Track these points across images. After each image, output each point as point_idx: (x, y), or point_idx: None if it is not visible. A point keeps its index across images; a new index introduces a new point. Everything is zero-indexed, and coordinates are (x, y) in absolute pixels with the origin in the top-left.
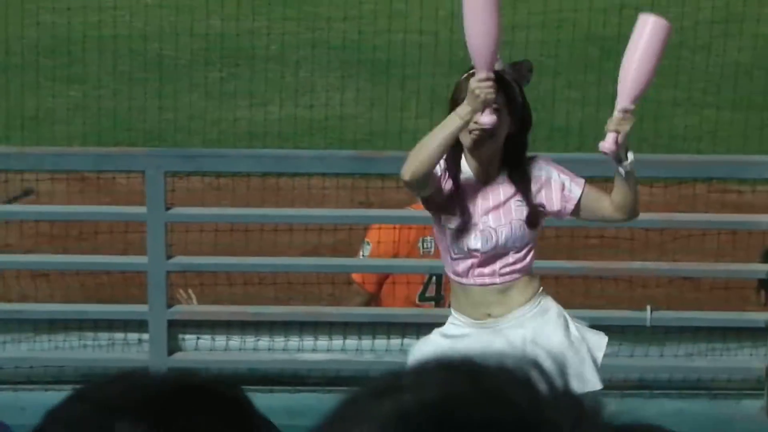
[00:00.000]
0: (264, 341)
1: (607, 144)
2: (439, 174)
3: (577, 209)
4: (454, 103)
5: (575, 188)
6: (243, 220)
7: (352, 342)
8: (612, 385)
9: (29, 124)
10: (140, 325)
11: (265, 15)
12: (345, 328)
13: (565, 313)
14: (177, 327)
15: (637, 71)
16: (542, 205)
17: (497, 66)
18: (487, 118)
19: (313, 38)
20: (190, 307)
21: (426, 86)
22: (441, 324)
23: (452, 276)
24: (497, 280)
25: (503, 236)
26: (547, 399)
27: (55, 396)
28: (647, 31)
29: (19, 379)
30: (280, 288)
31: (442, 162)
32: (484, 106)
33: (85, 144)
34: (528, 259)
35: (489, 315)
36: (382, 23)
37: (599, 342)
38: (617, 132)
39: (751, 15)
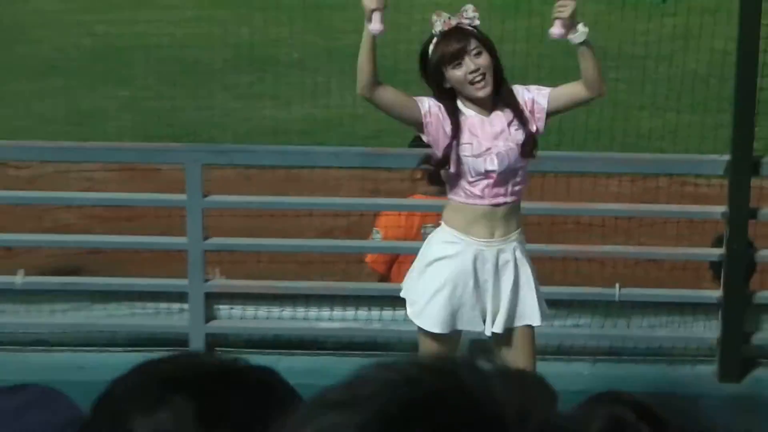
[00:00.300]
0: (287, 311)
1: (556, 30)
2: (429, 111)
3: (549, 115)
4: (424, 71)
5: (542, 95)
6: (269, 207)
7: (362, 313)
8: (586, 351)
9: (86, 121)
10: (181, 297)
11: (288, 26)
12: (357, 300)
13: None
14: (213, 299)
15: None
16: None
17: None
18: (375, 25)
19: (328, 47)
20: (224, 282)
21: (424, 89)
22: None
23: (465, 200)
24: (508, 199)
25: (512, 157)
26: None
27: (108, 357)
28: None
29: (78, 342)
30: (301, 265)
31: (434, 105)
32: (370, 14)
33: (133, 138)
34: (526, 179)
35: (493, 235)
36: (388, 35)
37: None
38: (560, 16)
39: (707, 31)
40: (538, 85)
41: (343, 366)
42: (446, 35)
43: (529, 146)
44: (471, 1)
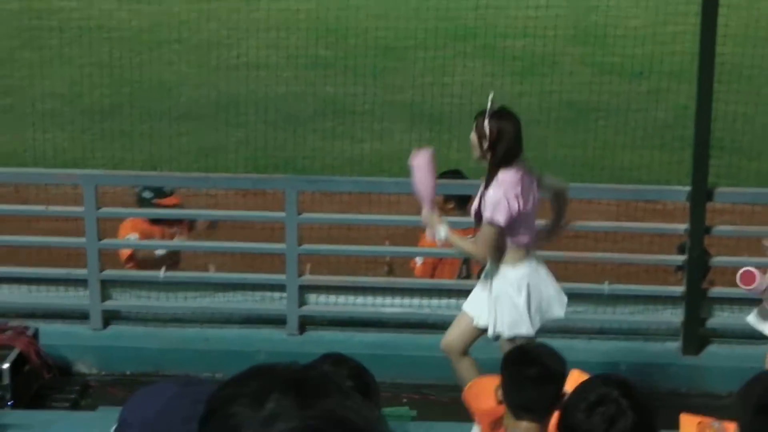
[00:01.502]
0: (360, 299)
1: (428, 235)
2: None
3: None
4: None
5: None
6: (346, 222)
7: (415, 301)
8: (583, 331)
9: (211, 154)
10: (281, 288)
11: (361, 85)
12: (411, 292)
13: None
14: (304, 289)
15: (423, 187)
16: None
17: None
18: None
19: (390, 99)
20: (314, 276)
21: (463, 132)
22: (469, 290)
23: (521, 245)
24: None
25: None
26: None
27: (227, 332)
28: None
29: (204, 320)
30: (369, 264)
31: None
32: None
33: (246, 169)
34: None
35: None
36: (436, 90)
37: None
38: (430, 228)
39: (673, 90)
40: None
41: (401, 341)
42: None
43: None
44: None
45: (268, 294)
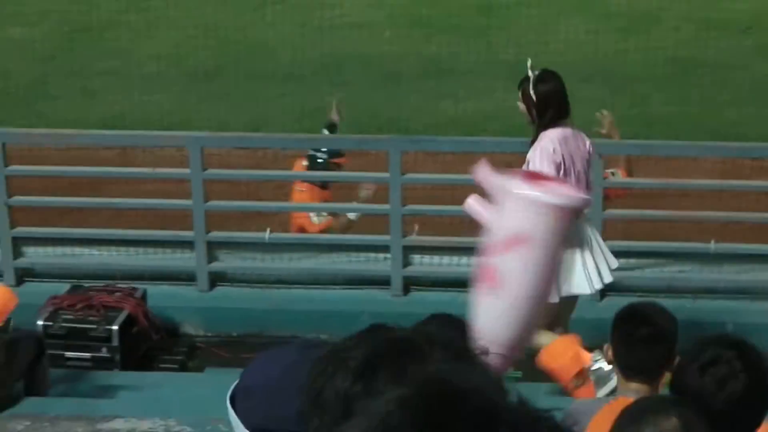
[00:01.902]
0: (463, 259)
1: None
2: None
3: None
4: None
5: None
6: (448, 182)
7: None
8: (688, 290)
9: (312, 116)
10: (385, 248)
11: (463, 45)
12: None
13: None
14: (408, 250)
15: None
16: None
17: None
18: None
19: (491, 59)
20: (417, 238)
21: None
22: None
23: None
24: None
25: None
26: None
27: (330, 293)
28: None
29: (309, 281)
30: (473, 225)
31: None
32: None
33: (349, 129)
34: None
35: None
36: (535, 48)
37: None
38: None
39: None
40: None
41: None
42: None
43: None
44: None
45: (372, 255)
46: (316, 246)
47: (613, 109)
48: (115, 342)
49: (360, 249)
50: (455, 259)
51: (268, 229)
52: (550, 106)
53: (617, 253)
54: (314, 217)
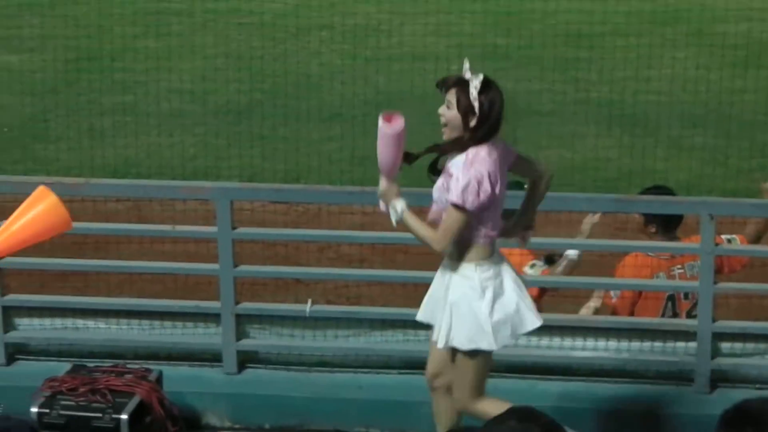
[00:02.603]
0: (544, 340)
1: (381, 207)
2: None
3: None
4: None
5: (449, 194)
6: (537, 247)
7: (612, 343)
8: None
9: (363, 163)
10: None
11: (545, 78)
12: (607, 332)
13: None
14: None
15: (384, 160)
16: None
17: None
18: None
19: (578, 98)
20: None
21: (665, 136)
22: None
23: (487, 239)
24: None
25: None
26: None
27: (384, 378)
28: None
29: (358, 364)
30: (553, 298)
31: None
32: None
33: (409, 181)
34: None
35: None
36: (633, 85)
37: None
38: (383, 200)
39: None
40: None
41: (592, 391)
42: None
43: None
44: None
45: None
46: (367, 321)
47: (727, 159)
48: None
49: (419, 326)
50: (533, 339)
51: (310, 301)
52: (491, 118)
53: (731, 336)
54: (528, 270)
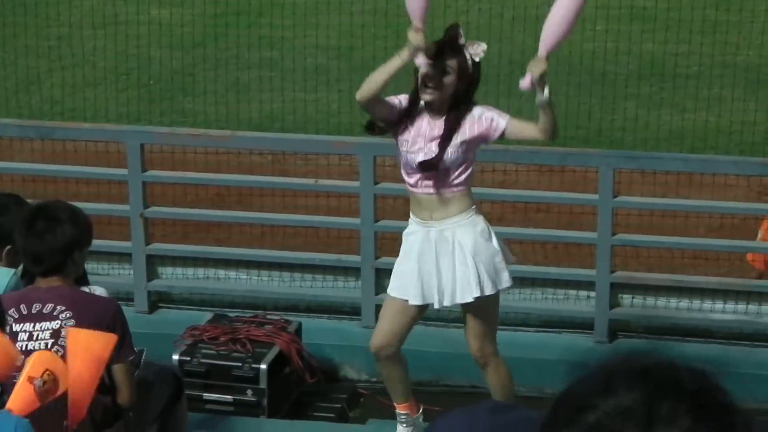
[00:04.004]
0: (684, 302)
1: (524, 82)
2: (397, 105)
3: (503, 134)
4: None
5: (501, 121)
6: (671, 207)
7: (753, 307)
8: None
9: None
10: (589, 285)
11: (688, 42)
12: (748, 295)
13: (490, 228)
14: (617, 288)
15: (555, 30)
16: (474, 137)
17: (462, 41)
18: (420, 60)
19: (724, 61)
20: (627, 273)
21: None
22: None
23: (408, 186)
24: (439, 190)
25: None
26: None
27: (521, 336)
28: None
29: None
30: (691, 260)
31: (404, 99)
32: (416, 50)
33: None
34: (462, 178)
35: (431, 217)
36: None
37: (509, 252)
38: (532, 73)
39: None
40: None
41: (730, 354)
42: (448, 44)
43: (428, 164)
44: None
45: (573, 292)
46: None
47: None
48: (263, 384)
49: (559, 285)
50: (672, 300)
51: None
52: (477, 86)
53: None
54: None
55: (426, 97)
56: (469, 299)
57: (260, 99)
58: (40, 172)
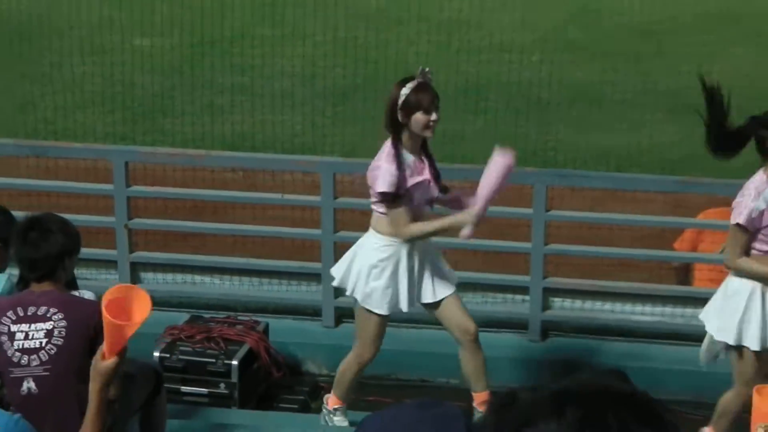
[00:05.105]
0: (608, 305)
1: (466, 233)
2: (404, 181)
3: None
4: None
5: None
6: (598, 221)
7: (668, 309)
8: None
9: (449, 143)
10: (523, 290)
11: (615, 71)
12: (664, 299)
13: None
14: (549, 292)
15: (488, 190)
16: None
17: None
18: (466, 232)
19: (646, 88)
20: (559, 279)
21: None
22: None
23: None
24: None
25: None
26: None
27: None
28: (495, 166)
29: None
30: (620, 269)
31: (395, 173)
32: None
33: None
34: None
35: None
36: (695, 78)
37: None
38: (471, 226)
39: None
40: None
41: (649, 351)
42: (422, 87)
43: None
44: None
45: (510, 296)
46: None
47: None
48: (235, 378)
49: (497, 289)
50: (598, 303)
51: None
52: None
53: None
54: None
55: (429, 134)
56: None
57: (232, 120)
58: (35, 187)
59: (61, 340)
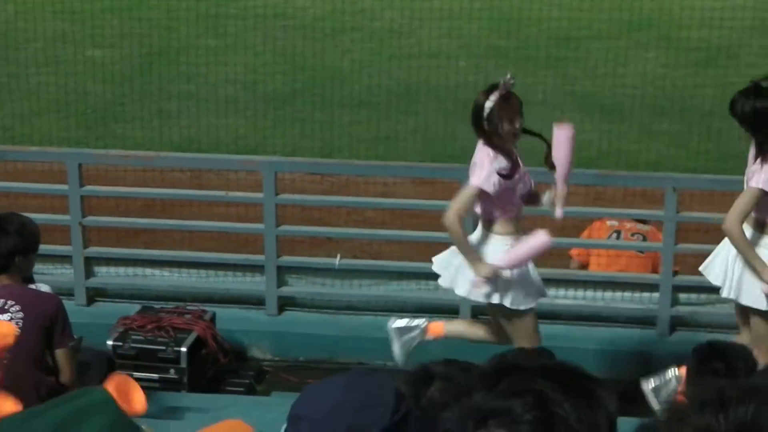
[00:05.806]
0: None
1: (477, 285)
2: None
3: None
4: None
5: None
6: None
7: (589, 293)
8: None
9: (385, 142)
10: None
11: (534, 74)
12: (584, 284)
13: None
14: None
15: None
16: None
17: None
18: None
19: (564, 89)
20: None
21: (637, 123)
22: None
23: (511, 216)
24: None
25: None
26: None
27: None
28: (561, 138)
29: (378, 308)
30: (545, 256)
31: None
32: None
33: (419, 157)
34: None
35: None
36: (610, 80)
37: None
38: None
39: None
40: None
41: (572, 333)
42: (505, 98)
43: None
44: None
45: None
46: (386, 273)
47: (688, 143)
48: (184, 364)
49: (431, 277)
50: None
51: (339, 255)
52: None
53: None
54: None
55: (515, 140)
56: None
57: (180, 125)
58: None
59: (19, 330)
